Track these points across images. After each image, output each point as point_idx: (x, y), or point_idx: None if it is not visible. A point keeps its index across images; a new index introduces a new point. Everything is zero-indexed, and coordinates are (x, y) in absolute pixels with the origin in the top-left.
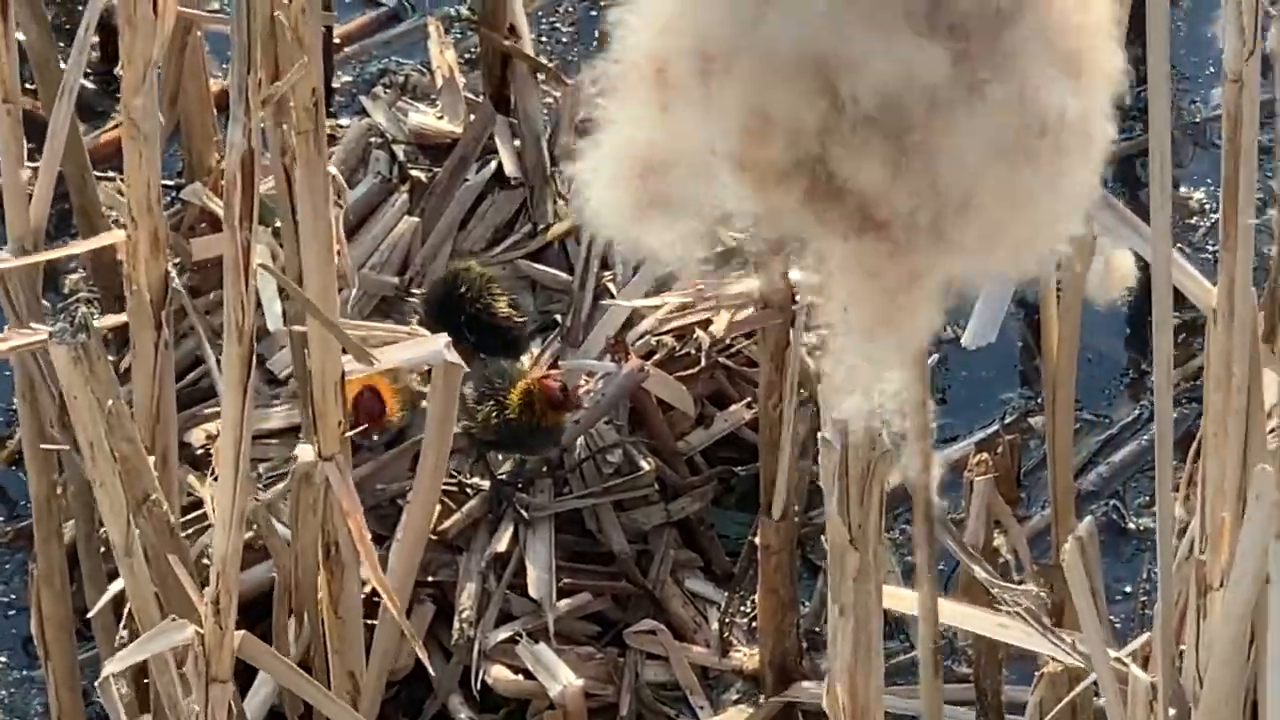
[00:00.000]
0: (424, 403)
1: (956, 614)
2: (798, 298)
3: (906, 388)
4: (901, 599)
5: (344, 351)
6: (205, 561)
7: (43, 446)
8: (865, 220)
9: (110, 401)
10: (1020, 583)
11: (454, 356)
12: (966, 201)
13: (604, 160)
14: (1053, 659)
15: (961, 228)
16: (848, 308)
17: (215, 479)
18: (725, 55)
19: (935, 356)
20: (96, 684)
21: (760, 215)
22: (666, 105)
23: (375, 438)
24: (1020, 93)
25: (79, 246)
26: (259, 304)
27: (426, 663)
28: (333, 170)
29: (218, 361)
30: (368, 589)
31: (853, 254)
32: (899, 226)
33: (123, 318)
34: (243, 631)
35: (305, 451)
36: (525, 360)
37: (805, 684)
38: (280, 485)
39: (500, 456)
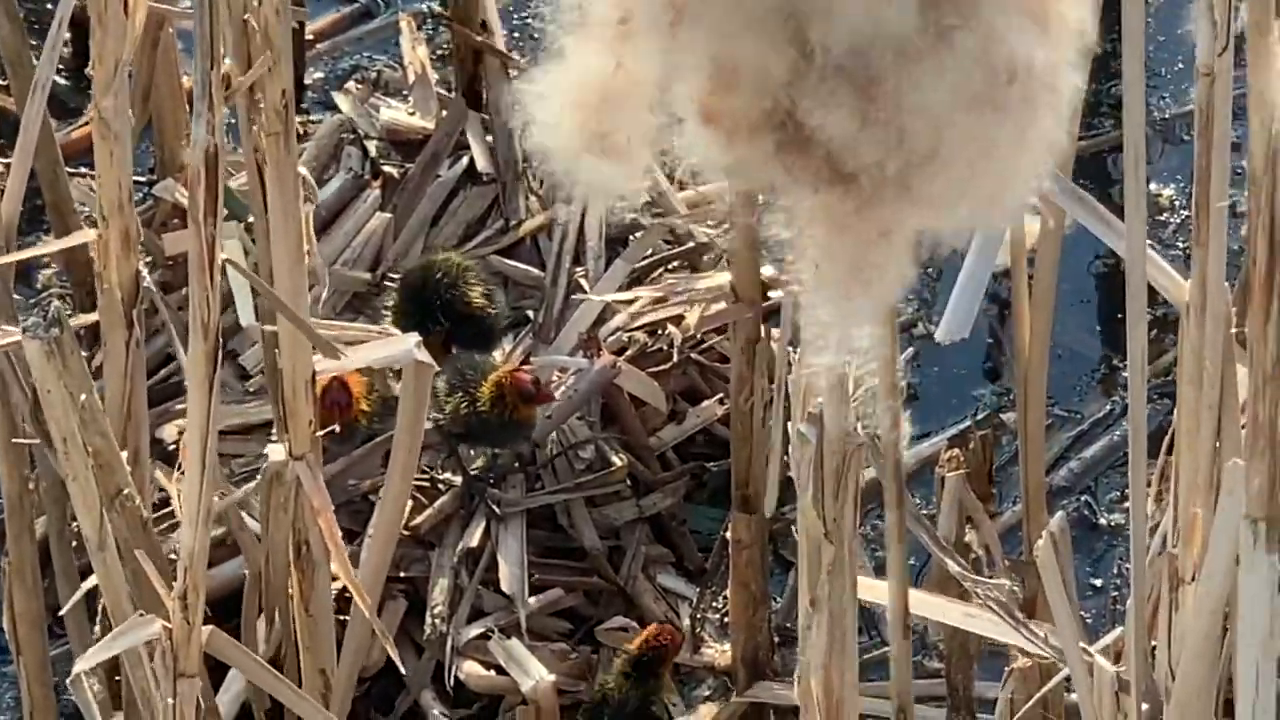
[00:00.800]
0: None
1: (926, 604)
2: (769, 293)
3: (876, 344)
4: (874, 589)
5: (315, 350)
6: (174, 557)
7: (14, 441)
8: (833, 172)
9: (83, 396)
10: (992, 578)
11: (424, 356)
12: (934, 152)
13: (555, 90)
14: (1023, 653)
15: (929, 179)
16: (819, 264)
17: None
18: (693, 3)
19: (909, 352)
20: (68, 681)
21: (729, 167)
22: (626, 51)
23: (338, 430)
24: (987, 41)
25: (50, 246)
26: (230, 299)
27: (398, 661)
28: (303, 171)
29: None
30: (339, 585)
31: (821, 208)
32: (866, 179)
33: (94, 316)
34: (210, 627)
35: (276, 450)
36: (498, 354)
37: (775, 683)
38: (252, 483)
39: (472, 451)
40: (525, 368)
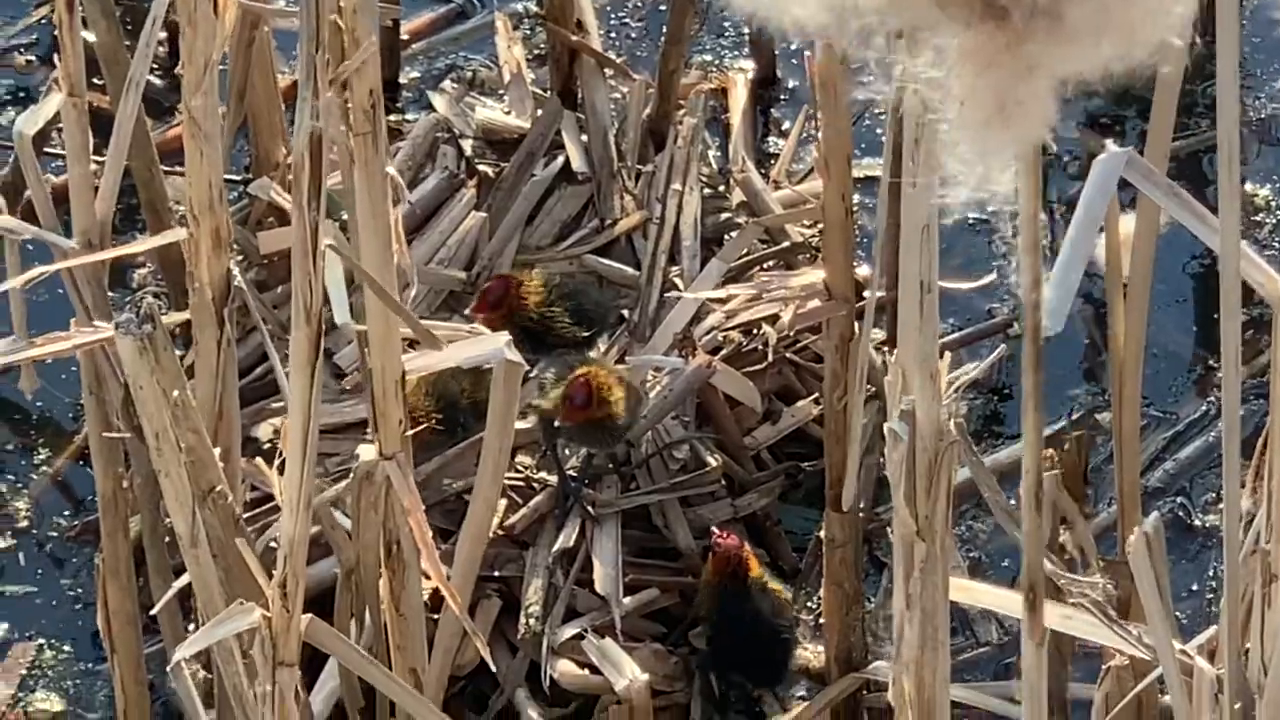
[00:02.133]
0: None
1: (1020, 604)
2: (863, 291)
3: (1019, 198)
4: (969, 590)
5: (405, 349)
6: (271, 545)
7: (106, 435)
8: (985, 7)
9: (175, 392)
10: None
11: (514, 355)
12: None
13: None
14: (1118, 652)
15: (1078, 6)
16: (964, 101)
17: (282, 467)
18: None
19: (1003, 350)
20: (168, 669)
21: (885, 4)
22: None
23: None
24: None
25: (141, 245)
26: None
27: (489, 660)
28: (392, 171)
29: (281, 358)
30: (432, 585)
31: (971, 44)
32: (1018, 11)
33: (186, 315)
34: (310, 615)
35: (367, 450)
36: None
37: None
38: (344, 481)
39: (568, 450)
40: (598, 371)
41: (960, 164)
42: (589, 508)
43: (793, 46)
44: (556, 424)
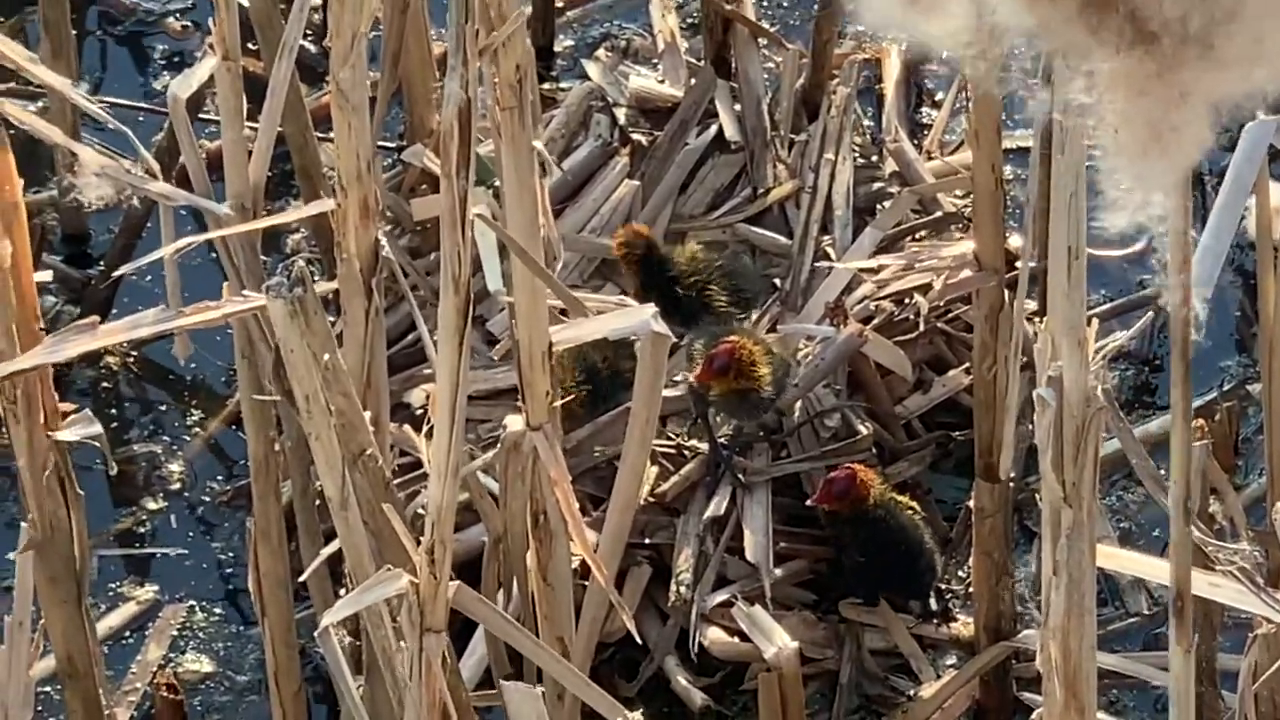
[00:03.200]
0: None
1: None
2: (1014, 262)
3: (1170, 218)
4: (1116, 558)
5: (554, 321)
6: (420, 512)
7: (256, 398)
8: (1136, 31)
9: (326, 356)
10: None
11: (661, 327)
12: (1236, 10)
13: None
14: (1266, 620)
15: (1229, 37)
16: (1118, 129)
17: (431, 434)
18: None
19: (1151, 319)
20: (315, 634)
21: (1033, 28)
22: None
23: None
24: None
25: (291, 215)
26: (479, 264)
27: (635, 633)
28: (538, 145)
29: (431, 326)
30: (580, 553)
31: (1122, 70)
32: (1168, 38)
33: (335, 284)
34: (457, 582)
35: (514, 421)
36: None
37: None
38: (493, 451)
39: (719, 418)
40: (740, 343)
41: (1118, 190)
42: (739, 475)
43: None
44: (706, 394)
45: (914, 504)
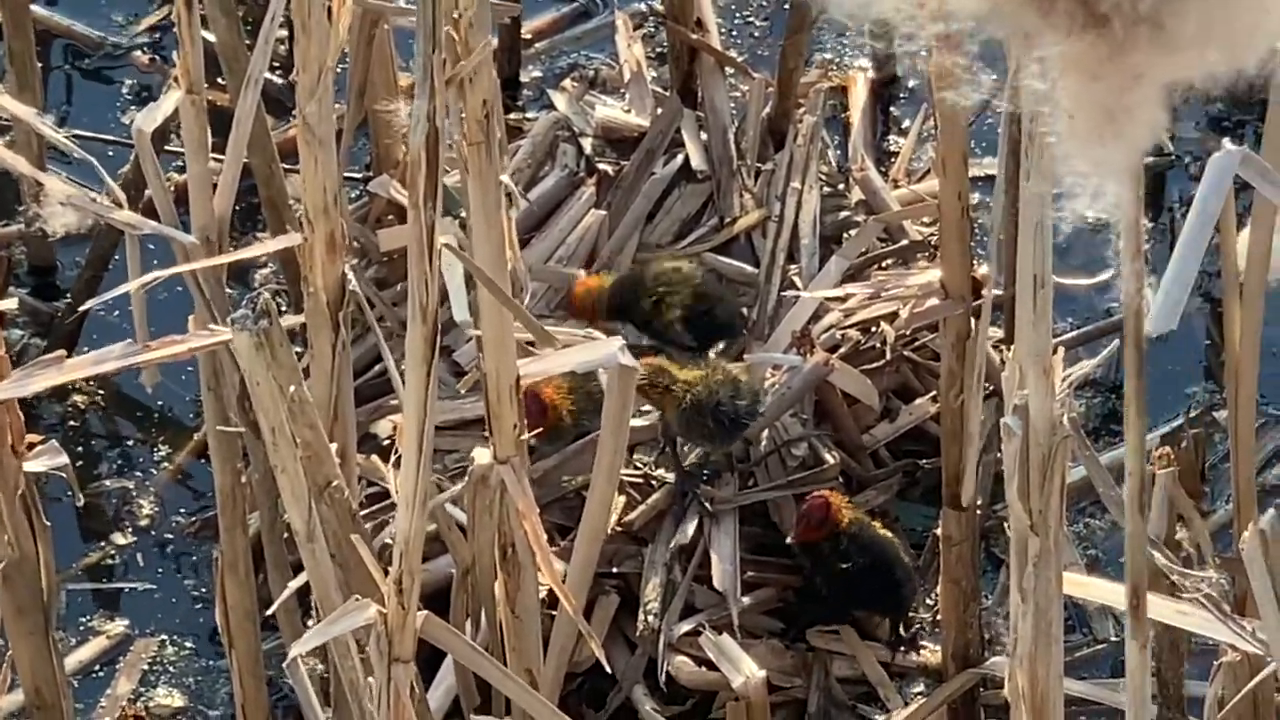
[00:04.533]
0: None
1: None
2: (980, 290)
3: (1122, 206)
4: (1083, 585)
5: (521, 354)
6: (387, 542)
7: (221, 429)
8: (1087, 14)
9: (292, 388)
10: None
11: (629, 360)
12: None
13: None
14: (1232, 648)
15: (1180, 17)
16: (1073, 114)
17: (399, 464)
18: None
19: (1117, 346)
20: (284, 665)
21: (984, 12)
22: None
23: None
24: None
25: (259, 248)
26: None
27: (605, 662)
28: (505, 179)
29: (398, 357)
30: (547, 583)
31: (1074, 55)
32: (1119, 21)
33: (302, 318)
34: (425, 612)
35: (482, 454)
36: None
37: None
38: (461, 482)
39: (686, 449)
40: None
41: (1074, 175)
42: (706, 504)
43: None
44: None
45: (880, 525)
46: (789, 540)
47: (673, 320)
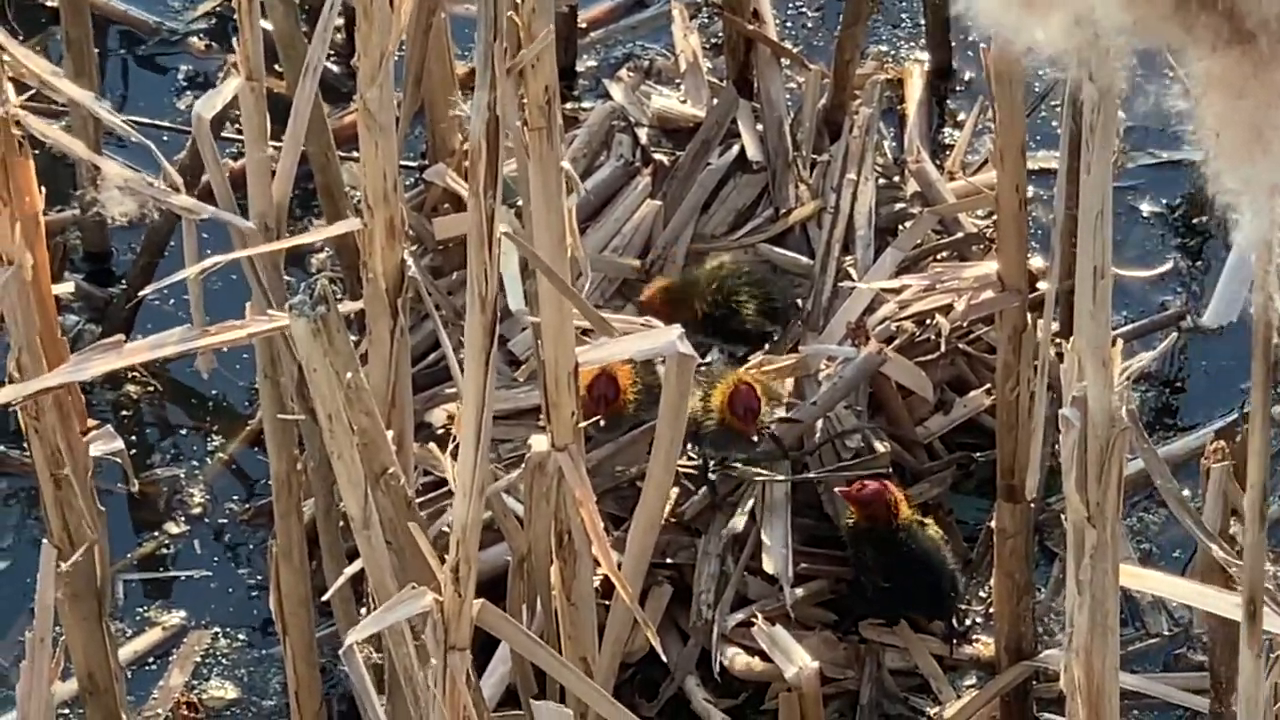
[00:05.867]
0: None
1: (1193, 593)
2: (1036, 282)
3: (1253, 223)
4: (1139, 578)
5: (578, 341)
6: (443, 530)
7: (281, 418)
8: (1233, 30)
9: (349, 374)
10: None
11: (687, 348)
12: None
13: None
14: None
15: None
16: (1219, 132)
17: (456, 452)
18: None
19: (1172, 339)
20: (340, 652)
21: (1129, 25)
22: None
23: (603, 422)
24: None
25: (317, 234)
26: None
27: (660, 650)
28: (566, 165)
29: (455, 344)
30: (603, 572)
31: (1219, 70)
32: (1265, 37)
33: (360, 304)
34: (481, 600)
35: (539, 441)
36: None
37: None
38: (517, 470)
39: (710, 450)
40: (757, 380)
41: (1229, 196)
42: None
43: (971, 38)
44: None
45: (934, 524)
46: (836, 490)
47: (747, 313)
